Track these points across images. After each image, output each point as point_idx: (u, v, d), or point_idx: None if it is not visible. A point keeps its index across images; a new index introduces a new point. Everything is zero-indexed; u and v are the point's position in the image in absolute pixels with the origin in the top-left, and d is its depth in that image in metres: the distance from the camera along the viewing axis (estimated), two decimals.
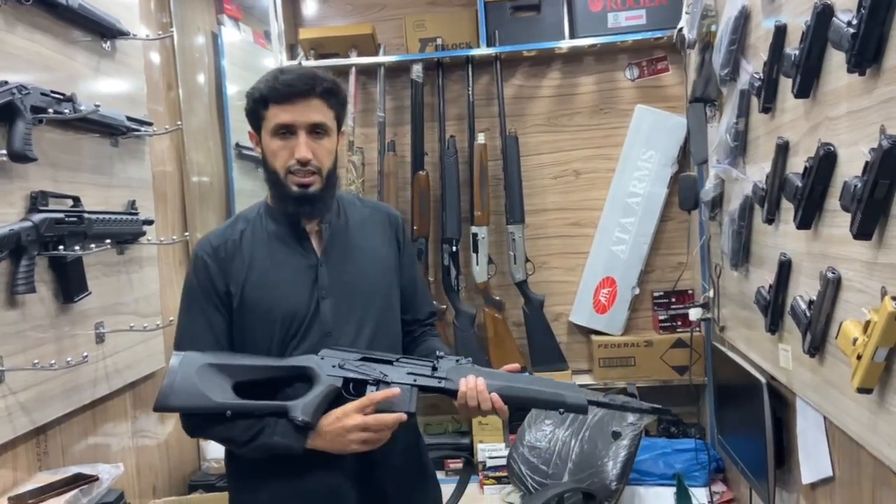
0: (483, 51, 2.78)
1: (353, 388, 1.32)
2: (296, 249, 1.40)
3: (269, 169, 1.37)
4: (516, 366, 1.40)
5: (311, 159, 1.32)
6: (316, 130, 1.33)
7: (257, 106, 1.34)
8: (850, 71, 1.15)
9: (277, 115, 1.32)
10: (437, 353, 1.37)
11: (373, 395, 1.28)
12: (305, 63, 2.84)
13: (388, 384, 1.31)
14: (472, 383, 1.29)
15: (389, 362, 1.34)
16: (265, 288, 1.36)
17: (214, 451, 2.47)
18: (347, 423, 1.27)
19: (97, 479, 1.63)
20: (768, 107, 1.64)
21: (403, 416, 1.27)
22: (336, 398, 1.32)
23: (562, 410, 1.33)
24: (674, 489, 2.45)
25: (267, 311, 1.36)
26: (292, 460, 1.32)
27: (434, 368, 1.34)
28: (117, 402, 2.10)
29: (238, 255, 1.38)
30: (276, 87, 1.31)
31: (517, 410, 1.44)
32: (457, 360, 1.36)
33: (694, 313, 2.51)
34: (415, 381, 1.33)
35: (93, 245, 1.78)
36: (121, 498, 1.69)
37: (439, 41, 2.82)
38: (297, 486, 1.35)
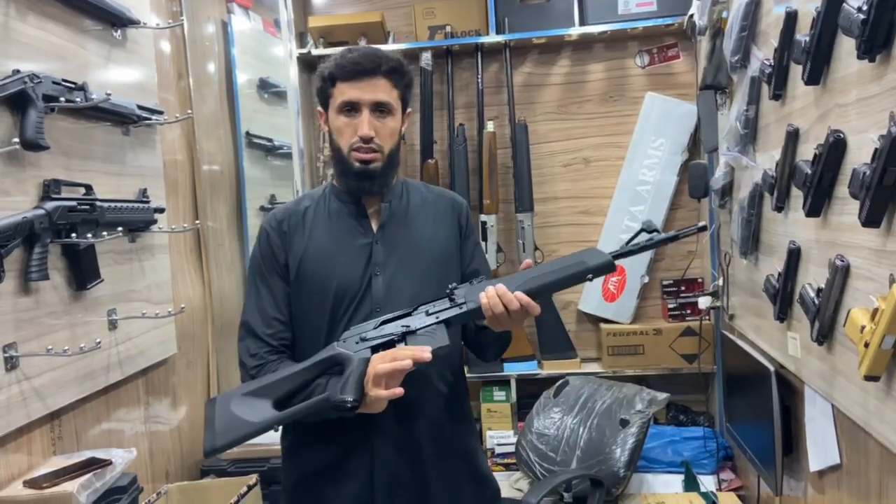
0: (492, 38, 2.77)
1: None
2: (354, 226, 1.43)
3: (334, 146, 1.40)
4: (529, 261, 1.36)
5: (374, 137, 1.35)
6: (380, 109, 1.35)
7: (325, 84, 1.38)
8: (860, 57, 1.14)
9: (343, 92, 1.34)
10: (451, 285, 1.33)
11: (399, 348, 1.25)
12: (314, 51, 2.85)
13: (413, 332, 1.28)
14: (492, 291, 1.25)
15: (408, 314, 1.32)
16: (320, 261, 1.40)
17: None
18: (368, 372, 1.25)
19: (111, 463, 1.65)
20: (779, 94, 1.63)
21: (426, 354, 1.21)
22: None
23: (590, 276, 1.26)
24: (682, 476, 2.46)
25: (321, 283, 1.39)
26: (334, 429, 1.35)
27: (451, 299, 1.31)
28: (130, 387, 2.12)
29: (300, 230, 1.43)
30: (342, 65, 1.34)
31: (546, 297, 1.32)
32: (469, 283, 1.33)
33: (703, 301, 2.50)
34: (437, 318, 1.29)
35: (104, 233, 1.80)
36: (134, 482, 1.71)
37: (448, 29, 2.82)
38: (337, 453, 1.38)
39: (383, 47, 2.79)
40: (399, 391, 1.20)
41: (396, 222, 1.45)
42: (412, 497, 1.40)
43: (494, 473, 2.64)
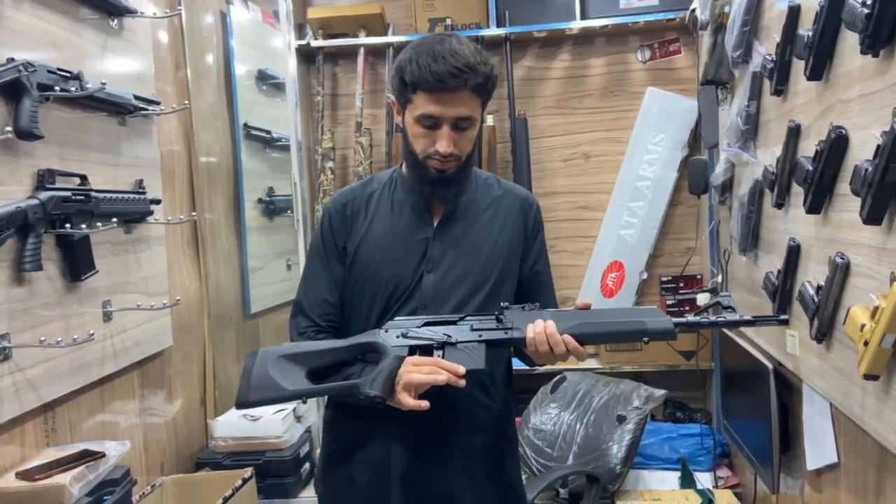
0: (493, 31, 2.76)
1: (419, 355, 1.27)
2: (415, 219, 1.39)
3: (408, 147, 1.33)
4: (588, 302, 1.29)
5: (453, 151, 1.28)
6: (461, 123, 1.28)
7: (404, 87, 1.29)
8: (863, 52, 1.13)
9: (425, 104, 1.26)
10: (502, 304, 1.29)
11: (438, 360, 1.23)
12: (314, 43, 2.83)
13: (453, 345, 1.25)
14: (541, 327, 1.21)
15: (453, 322, 1.29)
16: (376, 250, 1.38)
17: (221, 429, 2.49)
18: (400, 371, 1.23)
19: (104, 455, 1.64)
20: (780, 89, 1.62)
21: (461, 369, 1.19)
22: None
23: (647, 339, 1.21)
24: (678, 473, 2.46)
25: (374, 273, 1.37)
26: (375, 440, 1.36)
27: (499, 321, 1.26)
28: (125, 380, 2.11)
29: (362, 214, 1.41)
30: (426, 78, 1.24)
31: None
32: (522, 307, 1.28)
33: (702, 298, 2.50)
34: (480, 336, 1.25)
35: (99, 224, 1.78)
36: (127, 475, 1.71)
37: (448, 21, 2.80)
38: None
39: (381, 40, 2.81)
40: (425, 404, 1.19)
41: (459, 219, 1.39)
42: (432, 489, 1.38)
43: None
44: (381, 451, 1.37)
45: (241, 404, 1.28)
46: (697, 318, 1.23)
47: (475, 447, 1.39)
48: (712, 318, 1.24)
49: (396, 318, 1.32)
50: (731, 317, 1.22)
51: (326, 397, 1.48)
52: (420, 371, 1.19)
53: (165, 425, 2.36)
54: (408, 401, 1.19)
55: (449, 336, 1.26)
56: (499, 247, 1.40)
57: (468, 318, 1.29)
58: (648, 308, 1.28)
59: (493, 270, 1.38)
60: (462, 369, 1.19)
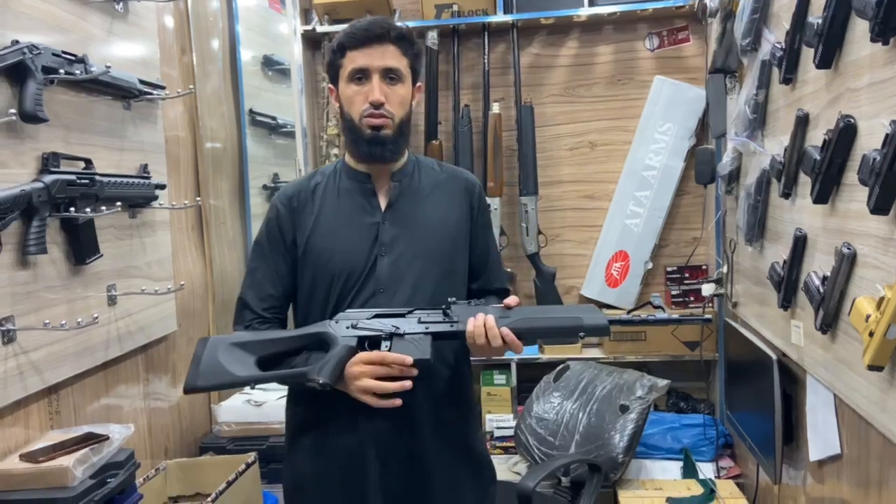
0: (500, 18, 2.73)
1: (367, 346, 1.32)
2: (363, 205, 1.42)
3: (346, 117, 1.40)
4: (515, 298, 1.34)
5: (384, 102, 1.35)
6: (390, 76, 1.36)
7: (335, 55, 1.39)
8: (873, 40, 1.11)
9: (353, 59, 1.35)
10: (450, 299, 1.34)
11: (386, 354, 1.27)
12: (319, 28, 2.81)
13: (401, 335, 1.30)
14: (480, 321, 1.26)
15: (402, 315, 1.33)
16: (327, 239, 1.41)
17: (225, 414, 2.50)
18: (353, 370, 1.28)
19: (108, 438, 1.65)
20: (789, 78, 1.60)
21: (408, 359, 1.25)
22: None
23: (582, 334, 1.28)
24: (681, 463, 2.46)
25: (327, 261, 1.40)
26: (331, 421, 1.39)
27: (446, 314, 1.31)
28: (129, 364, 2.12)
29: (308, 206, 1.44)
30: (352, 33, 1.36)
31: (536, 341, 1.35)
32: (468, 303, 1.34)
33: (707, 289, 2.48)
34: (427, 328, 1.30)
35: (103, 207, 1.78)
36: (131, 457, 1.71)
37: (455, 8, 2.78)
38: (329, 446, 1.40)
39: None
40: (397, 402, 1.26)
41: (406, 202, 1.43)
42: (408, 473, 1.40)
43: (493, 457, 2.66)
44: (349, 427, 1.39)
45: (190, 389, 1.30)
46: (630, 317, 1.36)
47: (440, 416, 1.42)
48: (643, 316, 1.35)
49: (347, 311, 1.35)
50: (660, 315, 1.34)
51: None
52: (374, 373, 1.25)
53: (170, 409, 2.37)
54: (374, 402, 1.26)
55: (397, 328, 1.30)
56: (448, 227, 1.45)
57: (416, 311, 1.33)
58: (586, 306, 1.34)
59: (444, 250, 1.43)
60: (409, 359, 1.24)
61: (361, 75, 1.35)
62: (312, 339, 1.34)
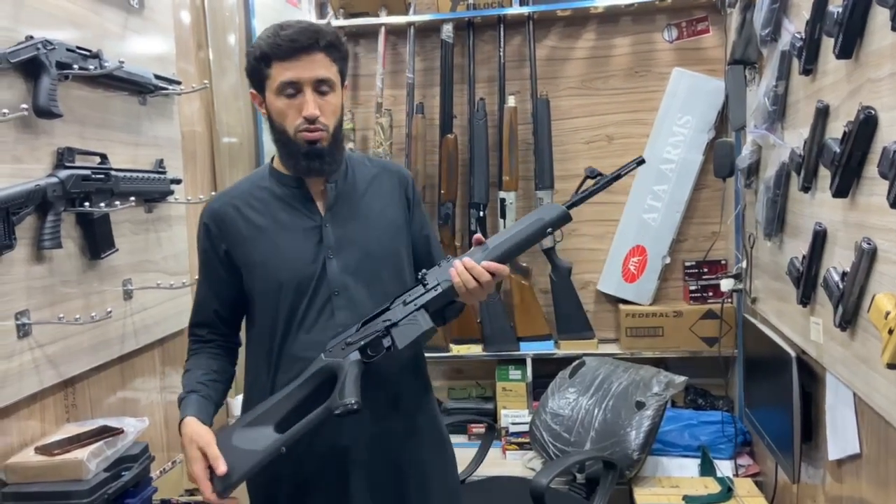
0: (516, 10, 2.71)
1: (370, 351, 1.30)
2: (300, 211, 1.39)
3: (276, 129, 1.34)
4: (478, 236, 1.33)
5: (319, 116, 1.29)
6: (321, 86, 1.30)
7: (259, 64, 1.31)
8: (894, 29, 1.08)
9: (282, 72, 1.28)
10: (419, 272, 1.33)
11: (214, 454, 1.25)
12: (334, 23, 2.81)
13: (396, 325, 1.28)
14: (461, 267, 1.25)
15: (387, 309, 1.32)
16: (270, 251, 1.37)
17: (239, 408, 2.51)
18: (188, 451, 1.29)
19: (122, 431, 1.66)
20: (809, 68, 1.57)
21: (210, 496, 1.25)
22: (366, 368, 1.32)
23: (550, 231, 1.29)
24: (698, 461, 2.43)
25: (272, 272, 1.36)
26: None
27: (424, 285, 1.31)
28: (145, 357, 2.13)
29: (239, 219, 1.39)
30: (278, 44, 1.27)
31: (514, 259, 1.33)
32: (438, 265, 1.33)
33: (725, 284, 2.45)
34: (416, 305, 1.29)
35: (118, 202, 1.79)
36: (145, 451, 1.72)
37: (471, 0, 2.76)
38: (308, 448, 1.37)
39: (402, 19, 2.78)
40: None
41: (344, 201, 1.41)
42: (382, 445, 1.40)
43: (508, 452, 2.66)
44: (328, 443, 1.36)
45: (226, 489, 1.26)
46: (579, 195, 1.32)
47: (407, 407, 1.42)
48: (589, 188, 1.32)
49: (330, 342, 1.32)
50: (602, 180, 1.32)
51: None
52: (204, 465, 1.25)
53: None
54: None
55: (389, 320, 1.29)
56: (389, 221, 1.43)
57: (396, 299, 1.32)
58: (543, 206, 1.33)
59: (390, 244, 1.41)
60: (222, 468, 1.23)
61: (292, 89, 1.29)
62: (317, 379, 1.31)
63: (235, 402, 2.53)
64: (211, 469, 1.26)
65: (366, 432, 1.36)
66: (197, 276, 1.48)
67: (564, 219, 1.29)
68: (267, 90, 1.32)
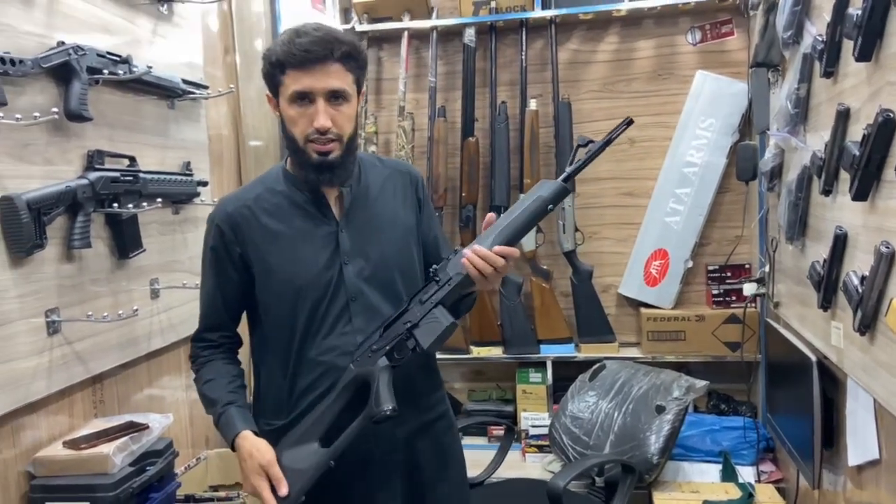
0: (538, 13, 2.72)
1: (396, 354, 1.31)
2: (316, 217, 1.38)
3: (288, 135, 1.33)
4: (491, 215, 1.32)
5: (331, 127, 1.28)
6: (335, 97, 1.29)
7: (274, 70, 1.30)
8: None
9: (295, 81, 1.27)
10: (432, 267, 1.33)
11: (278, 475, 1.29)
12: (358, 28, 2.84)
13: (417, 325, 1.29)
14: (472, 257, 1.24)
15: (405, 310, 1.33)
16: (287, 257, 1.37)
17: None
18: (249, 466, 1.32)
19: (147, 427, 1.70)
20: (830, 71, 1.55)
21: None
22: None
23: (551, 207, 1.27)
24: (720, 466, 2.41)
25: (291, 279, 1.36)
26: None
27: (436, 282, 1.31)
28: (171, 355, 2.18)
29: (254, 221, 1.38)
30: (292, 52, 1.26)
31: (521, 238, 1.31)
32: (446, 260, 1.33)
33: (748, 288, 2.43)
34: (433, 303, 1.30)
35: (145, 204, 1.84)
36: (170, 446, 1.76)
37: (493, 4, 2.77)
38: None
39: (425, 23, 2.80)
40: None
41: (359, 207, 1.40)
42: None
43: (527, 455, 2.66)
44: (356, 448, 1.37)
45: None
46: (574, 166, 1.31)
47: (405, 381, 1.39)
48: (583, 158, 1.31)
49: (357, 351, 1.34)
50: (594, 147, 1.30)
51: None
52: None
53: None
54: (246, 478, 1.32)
55: (409, 322, 1.30)
56: (401, 224, 1.43)
57: (412, 300, 1.32)
58: (539, 183, 1.31)
59: (403, 247, 1.42)
60: (284, 489, 1.27)
61: (304, 98, 1.28)
62: (351, 389, 1.33)
63: None
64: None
65: (379, 429, 1.37)
66: (202, 281, 1.48)
67: (562, 193, 1.27)
68: (280, 96, 1.31)
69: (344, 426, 1.31)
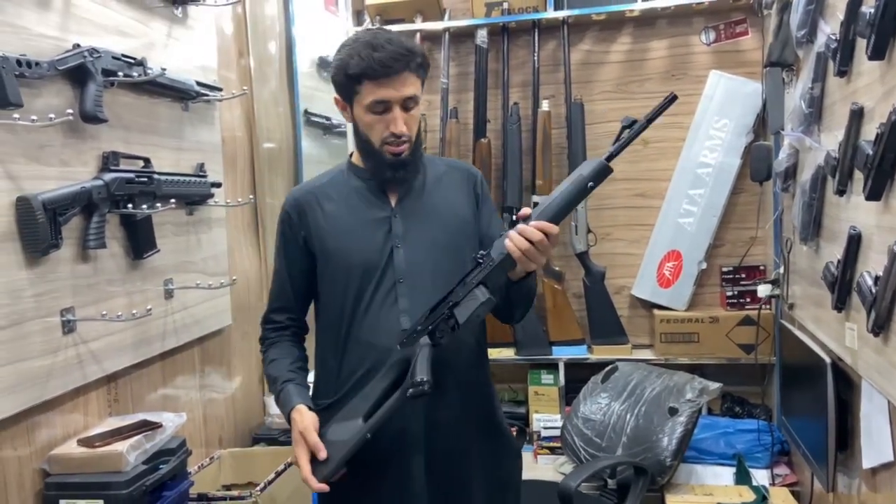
0: (550, 14, 2.72)
1: (437, 333, 1.35)
2: (373, 202, 1.47)
3: (363, 138, 1.42)
4: (526, 209, 1.34)
5: (406, 132, 1.38)
6: (408, 103, 1.38)
7: (349, 81, 1.37)
8: None
9: (373, 92, 1.35)
10: (475, 254, 1.36)
11: (315, 441, 1.33)
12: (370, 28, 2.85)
13: (457, 304, 1.32)
14: (514, 235, 1.27)
15: (450, 293, 1.36)
16: (340, 236, 1.45)
17: (277, 407, 2.56)
18: (293, 436, 1.37)
19: (161, 426, 1.72)
20: (844, 70, 1.54)
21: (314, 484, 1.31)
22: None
23: (592, 185, 1.28)
24: (733, 469, 2.39)
25: (344, 258, 1.44)
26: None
27: (479, 264, 1.34)
28: (186, 355, 2.20)
29: (318, 208, 1.48)
30: (372, 67, 1.33)
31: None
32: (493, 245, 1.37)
33: (762, 290, 2.41)
34: (476, 283, 1.33)
35: (159, 205, 1.86)
36: (182, 445, 1.78)
37: (506, 5, 2.77)
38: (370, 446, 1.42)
39: (438, 25, 2.81)
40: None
41: (414, 196, 1.48)
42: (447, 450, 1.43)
43: (539, 457, 2.65)
44: (389, 429, 1.39)
45: (324, 478, 1.32)
46: (617, 145, 1.30)
47: (469, 396, 1.46)
48: (626, 137, 1.31)
49: (403, 333, 1.37)
50: (636, 127, 1.30)
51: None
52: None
53: (224, 401, 2.44)
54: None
55: (451, 302, 1.33)
56: (456, 215, 1.49)
57: (457, 283, 1.35)
58: (586, 162, 1.32)
59: (455, 237, 1.47)
60: (323, 453, 1.32)
61: (382, 107, 1.36)
62: (396, 369, 1.36)
63: (272, 400, 2.58)
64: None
65: (424, 418, 1.41)
66: (274, 266, 1.56)
67: (604, 171, 1.29)
68: (355, 104, 1.40)
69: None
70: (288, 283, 1.52)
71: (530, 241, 1.26)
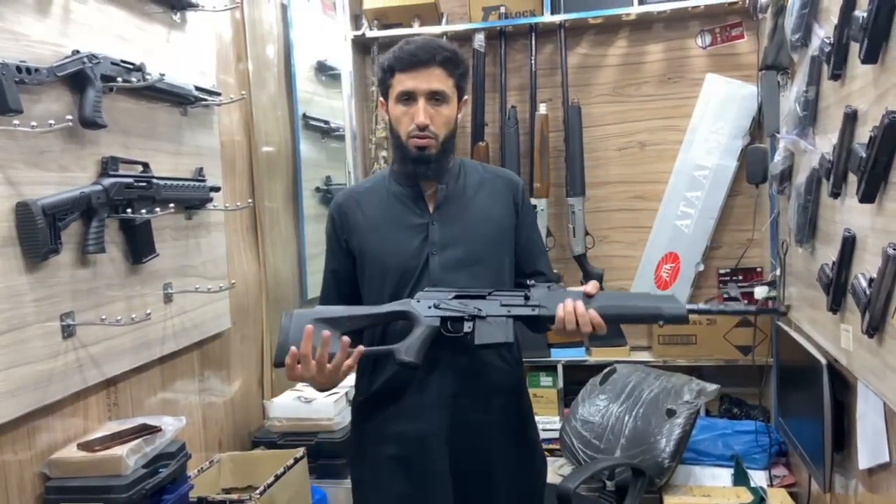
0: (547, 18, 2.74)
1: (450, 326, 1.37)
2: (411, 208, 1.50)
3: (394, 133, 1.47)
4: (595, 283, 1.38)
5: (429, 125, 1.41)
6: (435, 97, 1.41)
7: (385, 75, 1.45)
8: None
9: (401, 82, 1.42)
10: (528, 282, 1.40)
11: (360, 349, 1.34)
12: (369, 34, 2.87)
13: (483, 318, 1.34)
14: (570, 307, 1.32)
15: (482, 297, 1.37)
16: (378, 241, 1.49)
17: (276, 410, 2.57)
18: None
19: (160, 430, 1.72)
20: (838, 74, 1.55)
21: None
22: (438, 337, 1.37)
23: (661, 322, 1.32)
24: (731, 470, 2.40)
25: (382, 262, 1.48)
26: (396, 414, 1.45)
27: (526, 298, 1.36)
28: (185, 359, 2.20)
29: (358, 211, 1.53)
30: (400, 57, 1.42)
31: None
32: (548, 287, 1.39)
33: (759, 292, 2.42)
34: (509, 311, 1.35)
35: (158, 209, 1.86)
36: (182, 449, 1.78)
37: (503, 9, 2.79)
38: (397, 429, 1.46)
39: (435, 29, 2.82)
40: None
41: (453, 203, 1.50)
42: (472, 459, 1.45)
43: None
44: (414, 426, 1.43)
45: (280, 362, 1.34)
46: (708, 306, 1.35)
47: (500, 409, 1.48)
48: (720, 306, 1.35)
49: (427, 289, 1.40)
50: (734, 305, 1.38)
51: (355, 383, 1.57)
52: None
53: (224, 404, 2.45)
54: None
55: (479, 309, 1.34)
56: (493, 224, 1.50)
57: (496, 293, 1.38)
58: (665, 295, 1.36)
59: (492, 246, 1.49)
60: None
61: (408, 97, 1.42)
62: (395, 316, 1.40)
63: (271, 404, 2.59)
64: None
65: (451, 420, 1.43)
66: (324, 267, 1.61)
67: (679, 319, 1.32)
68: (389, 98, 1.46)
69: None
70: (333, 283, 1.56)
71: (580, 326, 1.30)
